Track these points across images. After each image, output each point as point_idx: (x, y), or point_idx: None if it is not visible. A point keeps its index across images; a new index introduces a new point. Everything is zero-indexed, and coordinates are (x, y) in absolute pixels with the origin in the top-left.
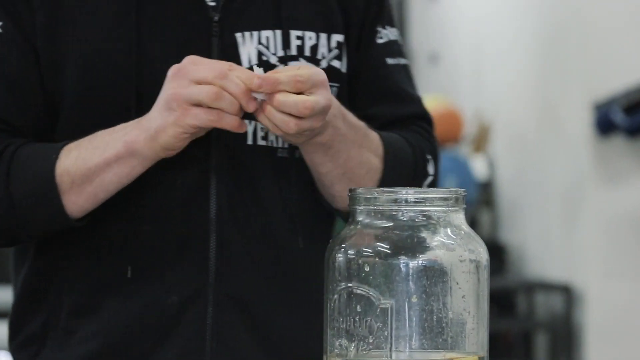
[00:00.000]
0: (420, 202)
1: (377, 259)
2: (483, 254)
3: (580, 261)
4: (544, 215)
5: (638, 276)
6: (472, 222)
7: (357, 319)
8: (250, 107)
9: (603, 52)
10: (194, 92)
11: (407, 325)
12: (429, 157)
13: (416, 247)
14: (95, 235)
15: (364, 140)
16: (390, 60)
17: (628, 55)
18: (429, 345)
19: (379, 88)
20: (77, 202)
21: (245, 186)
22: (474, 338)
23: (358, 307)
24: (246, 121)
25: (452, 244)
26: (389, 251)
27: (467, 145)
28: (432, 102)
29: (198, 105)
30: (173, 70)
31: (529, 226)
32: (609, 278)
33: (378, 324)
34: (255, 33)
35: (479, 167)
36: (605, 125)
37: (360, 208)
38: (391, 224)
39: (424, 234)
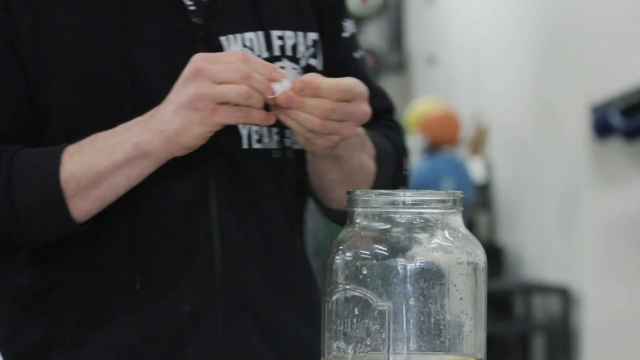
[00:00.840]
0: (417, 204)
1: (374, 261)
2: (481, 256)
3: (578, 263)
4: (541, 218)
5: (636, 278)
6: (470, 225)
7: (354, 321)
8: (270, 95)
9: (601, 54)
10: (223, 92)
11: (405, 327)
12: (405, 152)
13: (414, 249)
14: (98, 247)
15: (364, 144)
16: (356, 55)
17: (625, 58)
18: (427, 347)
19: None
20: (84, 206)
21: (244, 190)
22: (472, 340)
23: (355, 309)
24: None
25: (450, 246)
26: (386, 253)
27: (464, 148)
28: (429, 104)
29: (224, 103)
30: (191, 70)
31: (527, 228)
32: (607, 280)
33: (375, 326)
34: (239, 35)
35: (476, 169)
36: (602, 127)
37: (357, 210)
38: (389, 226)
39: (421, 236)
